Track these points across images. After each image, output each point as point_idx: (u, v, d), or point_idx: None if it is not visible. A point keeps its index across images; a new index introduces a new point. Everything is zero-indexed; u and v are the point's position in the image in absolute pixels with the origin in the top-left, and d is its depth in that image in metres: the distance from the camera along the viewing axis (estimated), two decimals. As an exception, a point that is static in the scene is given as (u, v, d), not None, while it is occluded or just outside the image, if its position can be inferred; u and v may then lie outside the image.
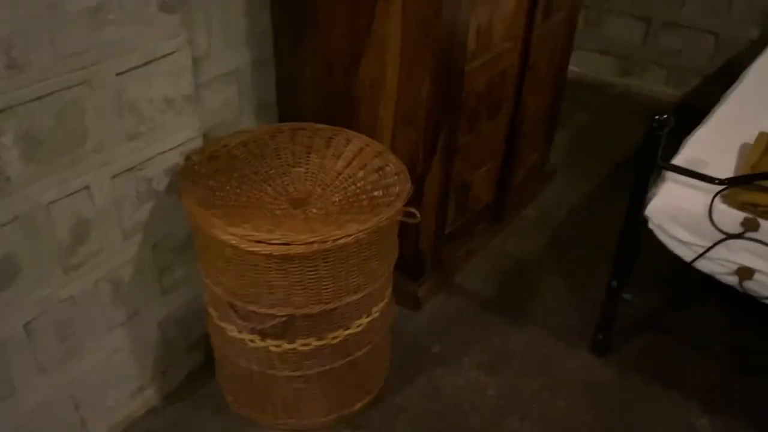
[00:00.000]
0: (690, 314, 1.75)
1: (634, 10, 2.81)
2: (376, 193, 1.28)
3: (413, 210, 1.27)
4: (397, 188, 1.28)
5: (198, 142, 1.36)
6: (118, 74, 1.14)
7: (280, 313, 1.20)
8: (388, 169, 1.34)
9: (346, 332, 1.29)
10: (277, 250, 1.12)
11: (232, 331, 1.28)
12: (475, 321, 1.71)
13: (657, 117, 1.26)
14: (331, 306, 1.23)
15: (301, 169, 1.38)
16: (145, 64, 1.18)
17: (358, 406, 1.44)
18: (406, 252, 1.54)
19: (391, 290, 1.41)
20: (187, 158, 1.33)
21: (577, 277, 1.85)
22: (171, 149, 1.30)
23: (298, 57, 1.59)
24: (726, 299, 1.68)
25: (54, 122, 1.07)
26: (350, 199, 1.27)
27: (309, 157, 1.40)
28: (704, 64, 2.76)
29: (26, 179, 1.06)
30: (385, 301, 1.37)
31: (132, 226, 1.27)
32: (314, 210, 1.25)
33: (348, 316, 1.28)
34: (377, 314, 1.34)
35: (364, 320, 1.31)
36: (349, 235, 1.16)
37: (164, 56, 1.21)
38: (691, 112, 1.70)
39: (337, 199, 1.28)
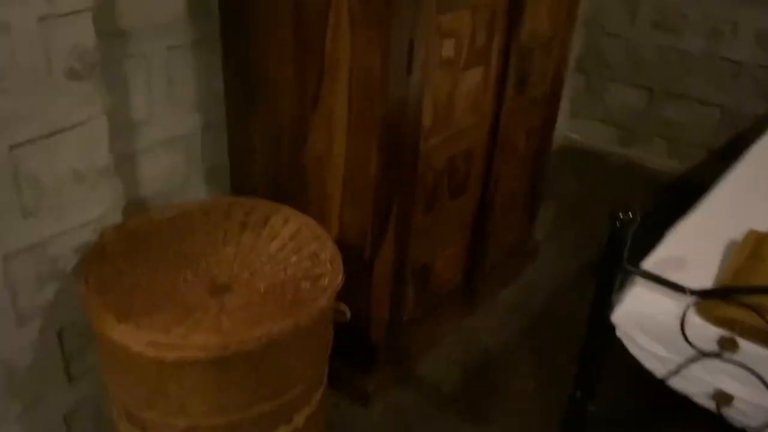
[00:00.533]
0: None
1: (636, 79, 2.69)
2: (303, 285, 1.14)
3: (342, 308, 1.13)
4: (326, 280, 1.14)
5: (116, 217, 1.24)
6: (12, 146, 1.03)
7: (178, 424, 1.06)
8: (322, 256, 1.21)
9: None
10: (171, 355, 0.98)
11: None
12: (430, 419, 1.54)
13: (620, 215, 1.11)
14: (237, 416, 1.07)
15: (231, 249, 1.24)
16: (48, 135, 1.07)
17: None
18: (354, 341, 1.39)
19: (323, 392, 1.26)
20: (102, 235, 1.21)
21: (549, 374, 1.68)
22: (81, 225, 1.18)
23: (249, 124, 1.49)
24: (703, 419, 1.49)
25: (-74, 198, 0.96)
26: (276, 288, 1.13)
27: (242, 236, 1.27)
28: (709, 138, 2.62)
29: None
30: (312, 407, 1.21)
31: (31, 310, 1.15)
32: (234, 300, 1.11)
33: (261, 427, 1.12)
34: (300, 422, 1.19)
35: (283, 430, 1.16)
36: (259, 338, 1.01)
37: (72, 127, 1.10)
38: (694, 189, 1.55)
39: (262, 287, 1.15)
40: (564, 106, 2.30)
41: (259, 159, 1.50)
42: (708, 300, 1.10)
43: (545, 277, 2.03)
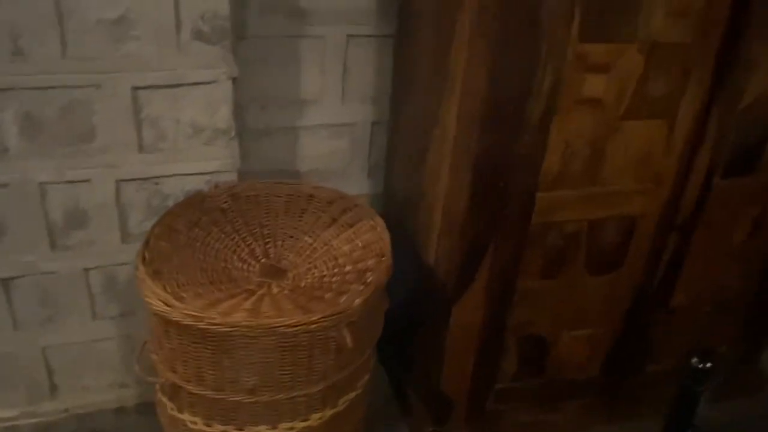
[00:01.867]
0: None
1: None
2: (353, 287, 1.07)
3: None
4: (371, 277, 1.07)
5: (232, 176, 1.32)
6: (135, 87, 1.17)
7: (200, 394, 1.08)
8: (381, 266, 1.12)
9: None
10: (196, 325, 0.99)
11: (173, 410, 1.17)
12: None
13: (695, 361, 0.77)
14: (276, 396, 1.07)
15: (308, 239, 1.23)
16: (171, 86, 1.19)
17: None
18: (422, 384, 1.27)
19: (369, 378, 1.21)
20: (215, 186, 1.30)
21: None
22: (193, 174, 1.29)
23: (399, 127, 1.43)
24: None
25: (58, 114, 1.15)
26: (324, 285, 1.10)
27: (325, 231, 1.24)
28: None
29: (23, 155, 1.17)
30: (357, 391, 1.17)
31: (136, 233, 1.30)
32: (282, 285, 1.09)
33: (301, 409, 1.11)
34: (343, 406, 1.16)
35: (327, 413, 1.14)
36: (294, 324, 0.99)
37: (195, 84, 1.20)
38: None
39: (313, 280, 1.12)
40: None
41: (399, 164, 1.44)
42: None
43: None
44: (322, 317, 1.01)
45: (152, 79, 1.17)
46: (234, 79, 1.23)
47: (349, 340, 1.03)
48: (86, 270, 1.31)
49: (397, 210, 1.46)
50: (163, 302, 1.01)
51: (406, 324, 1.47)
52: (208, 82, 1.21)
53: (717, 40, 1.05)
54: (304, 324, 1.00)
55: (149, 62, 1.16)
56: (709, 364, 0.77)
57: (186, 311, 0.99)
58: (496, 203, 1.12)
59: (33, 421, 1.41)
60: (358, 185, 1.61)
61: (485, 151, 1.07)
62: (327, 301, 1.05)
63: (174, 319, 0.99)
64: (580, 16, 0.98)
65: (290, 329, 1.00)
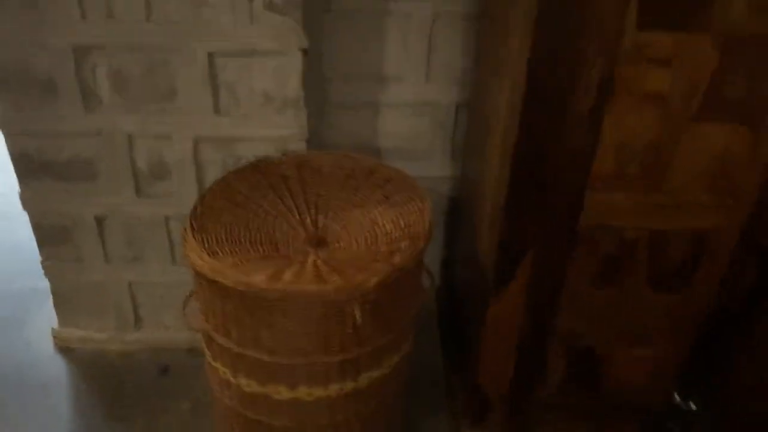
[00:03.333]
0: None
1: None
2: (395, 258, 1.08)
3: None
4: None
5: (300, 145, 1.37)
6: (211, 53, 1.25)
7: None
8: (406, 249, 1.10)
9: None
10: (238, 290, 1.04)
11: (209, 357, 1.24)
12: None
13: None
14: (316, 359, 1.11)
15: (357, 212, 1.24)
16: (244, 54, 1.25)
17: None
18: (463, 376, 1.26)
19: (409, 345, 1.23)
20: (284, 153, 1.36)
21: None
22: (263, 140, 1.35)
23: (474, 115, 1.39)
24: None
25: (144, 73, 1.26)
26: (365, 257, 1.11)
27: (376, 208, 1.25)
28: None
29: (115, 107, 1.30)
30: (401, 353, 1.20)
31: (211, 190, 1.40)
32: (326, 254, 1.12)
33: (345, 372, 1.15)
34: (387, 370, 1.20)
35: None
36: (335, 290, 1.02)
37: (267, 54, 1.25)
38: None
39: (355, 250, 1.13)
40: None
41: (471, 149, 1.40)
42: None
43: None
44: (335, 290, 1.02)
45: (227, 46, 1.24)
46: (305, 51, 1.26)
47: (358, 316, 1.03)
48: (167, 218, 1.44)
49: (467, 195, 1.42)
50: (197, 255, 1.08)
51: (459, 310, 1.44)
52: (279, 53, 1.25)
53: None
54: (316, 295, 1.02)
55: (224, 30, 1.22)
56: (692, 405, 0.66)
57: (211, 266, 1.05)
58: (540, 199, 1.05)
59: (118, 347, 1.59)
60: (439, 167, 1.58)
61: (527, 143, 1.00)
62: (347, 276, 1.05)
63: (200, 272, 1.06)
64: (638, 0, 0.87)
65: (302, 298, 1.02)
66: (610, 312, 1.18)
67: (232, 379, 1.18)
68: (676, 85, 0.94)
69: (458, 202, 1.56)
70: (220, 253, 1.09)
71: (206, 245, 1.10)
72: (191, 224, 1.13)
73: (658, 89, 0.94)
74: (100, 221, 1.43)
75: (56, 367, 1.53)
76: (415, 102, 1.50)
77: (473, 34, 1.40)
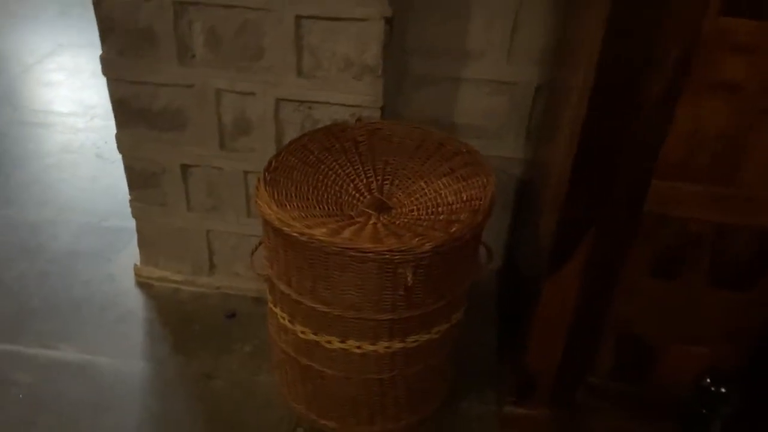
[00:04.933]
0: None
1: None
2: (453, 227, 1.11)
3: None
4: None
5: (374, 113, 1.41)
6: (297, 16, 1.30)
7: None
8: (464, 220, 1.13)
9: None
10: (305, 242, 1.09)
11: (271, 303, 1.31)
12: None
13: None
14: (370, 315, 1.17)
15: (421, 184, 1.28)
16: (329, 19, 1.30)
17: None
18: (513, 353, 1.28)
19: (461, 312, 1.27)
20: (358, 119, 1.41)
21: None
22: (340, 105, 1.40)
23: (551, 96, 1.38)
24: None
25: (235, 31, 1.34)
26: (425, 224, 1.15)
27: (440, 180, 1.27)
28: None
29: (206, 62, 1.38)
30: (455, 319, 1.25)
31: (288, 148, 1.47)
32: (387, 219, 1.17)
33: (402, 330, 1.20)
34: (439, 333, 1.24)
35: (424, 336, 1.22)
36: (390, 250, 1.06)
37: (351, 19, 1.30)
38: None
39: (416, 216, 1.17)
40: None
41: (544, 131, 1.39)
42: None
43: None
44: (389, 250, 1.06)
45: (314, 10, 1.29)
46: (388, 20, 1.29)
47: (410, 278, 1.07)
48: (246, 173, 1.52)
49: (537, 178, 1.43)
50: (266, 205, 1.14)
51: (518, 292, 1.46)
52: (362, 19, 1.29)
53: None
54: (371, 252, 1.06)
55: (312, -5, 1.28)
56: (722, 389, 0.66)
57: (278, 216, 1.11)
58: (603, 182, 1.05)
59: (192, 289, 1.70)
60: (512, 148, 1.59)
61: (596, 123, 1.00)
62: (403, 239, 1.09)
63: (269, 220, 1.13)
64: (724, -18, 0.85)
65: (358, 255, 1.07)
66: (668, 305, 1.16)
67: (289, 325, 1.25)
68: (754, 76, 0.91)
69: (528, 184, 1.56)
70: (288, 206, 1.16)
71: (276, 197, 1.17)
72: (264, 177, 1.20)
73: (735, 78, 0.92)
74: (185, 170, 1.53)
75: (135, 300, 1.66)
76: (493, 80, 1.51)
77: (561, 13, 1.39)
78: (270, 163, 1.24)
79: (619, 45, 0.92)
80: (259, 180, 1.19)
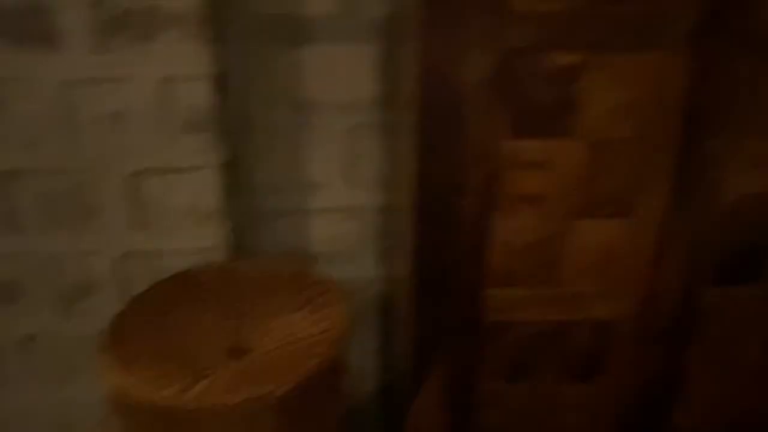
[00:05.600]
0: None
1: None
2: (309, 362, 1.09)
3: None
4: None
5: (223, 256, 1.41)
6: (133, 173, 1.30)
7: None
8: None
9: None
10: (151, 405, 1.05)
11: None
12: None
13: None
14: None
15: (278, 322, 1.26)
16: (166, 170, 1.31)
17: None
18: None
19: None
20: (204, 265, 1.39)
21: None
22: (186, 252, 1.39)
23: (391, 217, 1.45)
24: None
25: (69, 193, 1.31)
26: (283, 362, 1.12)
27: (295, 314, 1.27)
28: None
29: (41, 228, 1.33)
30: None
31: (137, 302, 1.42)
32: (241, 365, 1.13)
33: None
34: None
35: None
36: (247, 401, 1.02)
37: (188, 168, 1.31)
38: None
39: (272, 358, 1.14)
40: None
41: (395, 250, 1.44)
42: None
43: None
44: (245, 400, 1.03)
45: (148, 163, 1.30)
46: (225, 165, 1.32)
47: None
48: (94, 336, 1.44)
49: (394, 295, 1.46)
50: (109, 371, 1.08)
51: (393, 410, 1.44)
52: (199, 168, 1.32)
53: (672, 134, 0.97)
54: (225, 408, 1.03)
55: (146, 150, 1.29)
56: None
57: (122, 382, 1.06)
58: (443, 297, 1.09)
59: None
60: (368, 268, 1.63)
61: (425, 244, 1.05)
62: (259, 386, 1.06)
63: (113, 388, 1.06)
64: (510, 111, 0.96)
65: (211, 411, 1.03)
66: (528, 407, 1.20)
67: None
68: (551, 186, 1.01)
69: (388, 302, 1.59)
70: (135, 368, 1.10)
71: (120, 358, 1.11)
72: (106, 339, 1.15)
73: (536, 190, 1.01)
74: (25, 342, 1.43)
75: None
76: (341, 207, 1.57)
77: (390, 142, 1.49)
78: (112, 322, 1.19)
79: (431, 169, 1.00)
80: (99, 343, 1.13)
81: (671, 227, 1.04)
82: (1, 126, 1.24)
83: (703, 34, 0.89)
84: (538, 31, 0.90)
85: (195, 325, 1.23)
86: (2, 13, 1.19)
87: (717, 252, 1.06)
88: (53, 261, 1.36)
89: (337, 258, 1.61)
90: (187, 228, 1.36)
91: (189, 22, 1.21)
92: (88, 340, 1.44)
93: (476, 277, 1.07)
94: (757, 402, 1.21)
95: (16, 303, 1.39)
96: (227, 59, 1.34)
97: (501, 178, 1.00)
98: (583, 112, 0.96)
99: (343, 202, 1.56)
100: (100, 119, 1.25)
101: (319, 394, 1.14)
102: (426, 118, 0.96)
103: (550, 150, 0.99)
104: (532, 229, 1.04)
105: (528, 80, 0.93)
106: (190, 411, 1.03)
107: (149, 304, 1.26)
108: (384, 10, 1.38)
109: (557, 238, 1.04)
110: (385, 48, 1.41)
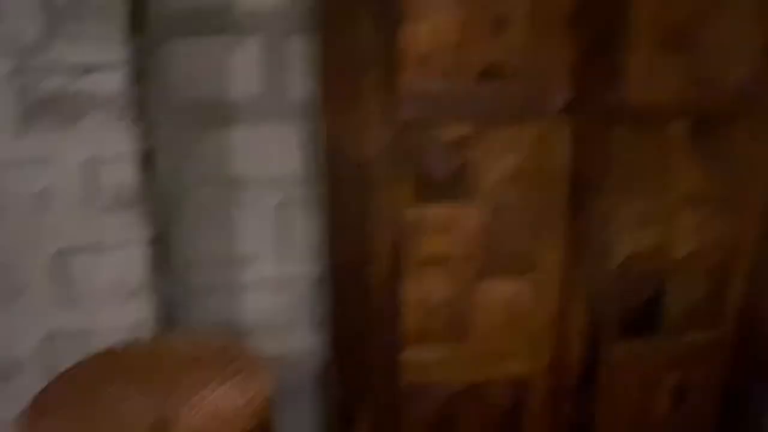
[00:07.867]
0: None
1: None
2: None
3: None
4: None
5: (151, 331, 1.41)
6: (60, 250, 1.32)
7: None
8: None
9: None
10: None
11: None
12: None
13: None
14: None
15: (202, 395, 1.27)
16: (92, 248, 1.33)
17: None
18: None
19: None
20: (131, 342, 1.39)
21: None
22: (113, 329, 1.39)
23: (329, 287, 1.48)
24: None
25: (-6, 273, 1.32)
26: None
27: (219, 388, 1.27)
28: None
29: (-38, 310, 1.33)
30: None
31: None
32: None
33: None
34: None
35: None
36: None
37: (114, 245, 1.34)
38: None
39: None
40: None
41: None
42: None
43: None
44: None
45: (74, 241, 1.32)
46: (152, 241, 1.35)
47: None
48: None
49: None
50: None
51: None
52: (126, 244, 1.34)
53: (560, 197, 1.05)
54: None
55: (71, 227, 1.31)
56: None
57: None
58: (362, 362, 1.12)
59: None
60: (305, 339, 1.64)
61: (339, 309, 1.09)
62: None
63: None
64: (410, 180, 1.03)
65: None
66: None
67: None
68: (455, 249, 1.07)
69: (327, 372, 1.60)
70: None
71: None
72: (26, 418, 1.13)
73: (442, 253, 1.07)
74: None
75: None
76: (272, 278, 1.59)
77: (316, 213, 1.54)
78: (34, 400, 1.17)
79: (340, 239, 1.05)
80: (19, 420, 1.12)
81: (571, 284, 1.10)
82: (-74, 208, 1.26)
83: (577, 108, 0.99)
84: (431, 107, 0.98)
85: (119, 402, 1.23)
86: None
87: (616, 307, 1.13)
88: (-23, 342, 1.35)
89: (272, 330, 1.63)
90: (115, 304, 1.37)
91: (115, 104, 1.27)
92: (5, 426, 1.40)
93: (391, 340, 1.11)
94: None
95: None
96: (155, 139, 1.40)
97: (407, 243, 1.06)
98: (479, 178, 1.04)
99: (274, 275, 1.59)
100: (24, 199, 1.28)
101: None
102: (332, 190, 1.02)
103: (452, 214, 1.05)
104: (441, 290, 1.09)
105: (425, 151, 1.00)
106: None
107: (73, 382, 1.25)
108: (306, 91, 1.46)
109: (465, 297, 1.10)
110: (309, 126, 1.49)
